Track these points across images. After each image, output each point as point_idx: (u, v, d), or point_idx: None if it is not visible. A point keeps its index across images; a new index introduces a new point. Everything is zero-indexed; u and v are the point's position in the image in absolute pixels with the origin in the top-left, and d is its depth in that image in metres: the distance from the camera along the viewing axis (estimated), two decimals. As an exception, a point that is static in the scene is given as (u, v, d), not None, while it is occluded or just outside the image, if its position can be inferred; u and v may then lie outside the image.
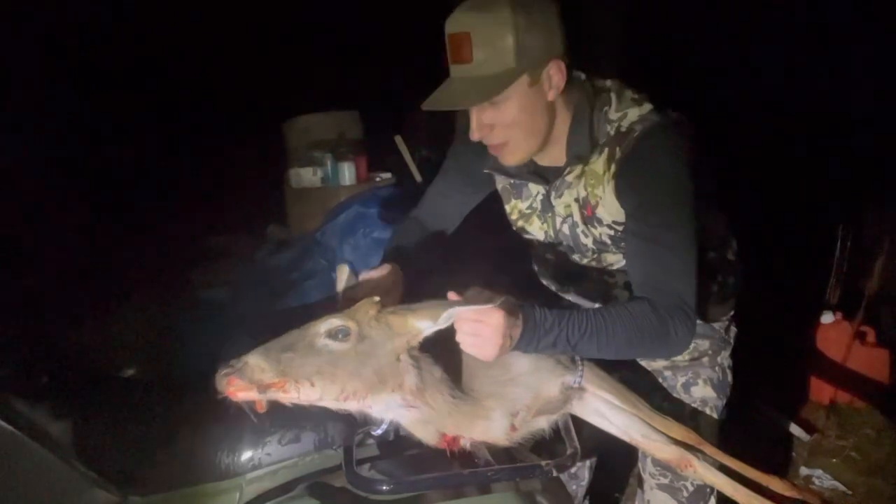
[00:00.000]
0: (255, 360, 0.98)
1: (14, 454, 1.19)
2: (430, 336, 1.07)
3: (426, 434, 1.14)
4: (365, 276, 1.29)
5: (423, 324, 1.06)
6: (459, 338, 1.08)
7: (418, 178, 3.65)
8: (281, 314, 2.70)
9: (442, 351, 1.13)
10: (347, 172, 3.79)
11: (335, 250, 2.98)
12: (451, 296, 1.09)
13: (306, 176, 3.87)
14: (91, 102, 4.85)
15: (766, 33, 4.13)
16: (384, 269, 1.31)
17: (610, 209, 1.33)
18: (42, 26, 4.38)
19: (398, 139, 3.77)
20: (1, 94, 3.94)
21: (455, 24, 1.23)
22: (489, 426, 1.17)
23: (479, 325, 1.06)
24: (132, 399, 1.50)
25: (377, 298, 1.09)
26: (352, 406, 1.05)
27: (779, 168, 3.91)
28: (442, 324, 1.06)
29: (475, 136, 1.29)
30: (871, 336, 3.00)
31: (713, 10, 4.18)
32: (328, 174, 3.81)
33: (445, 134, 1.62)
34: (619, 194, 1.29)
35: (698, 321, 1.53)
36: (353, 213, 3.04)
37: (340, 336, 1.03)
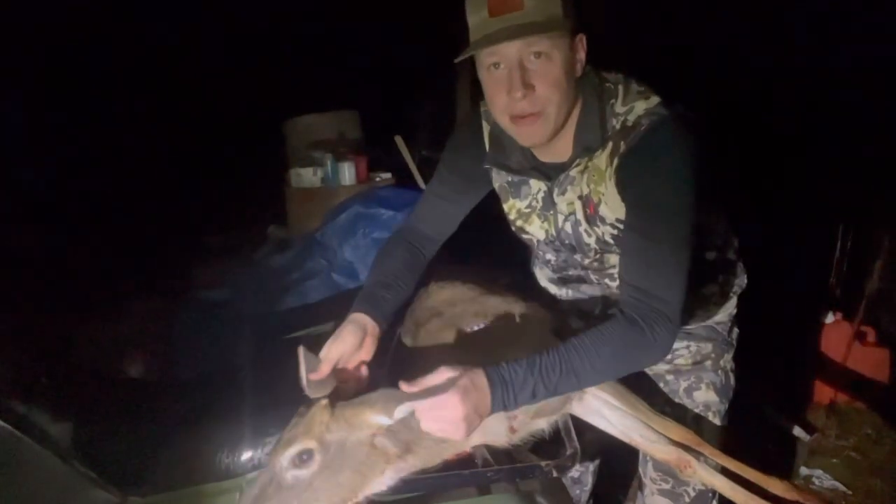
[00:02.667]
0: None
1: (14, 454, 1.19)
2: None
3: (430, 464, 1.14)
4: (326, 350, 1.23)
5: (379, 419, 1.05)
6: (424, 427, 1.05)
7: (419, 180, 3.65)
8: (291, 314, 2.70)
9: (432, 357, 1.14)
10: (347, 172, 3.79)
11: (335, 250, 2.98)
12: (403, 387, 1.06)
13: (306, 176, 3.88)
14: (91, 102, 4.85)
15: (766, 32, 4.13)
16: (345, 339, 1.24)
17: (612, 206, 1.29)
18: (43, 26, 4.38)
19: (398, 139, 3.77)
20: (1, 93, 3.94)
21: None
22: (488, 431, 1.17)
23: (439, 414, 1.03)
24: (132, 399, 1.50)
25: (324, 402, 1.07)
26: None
27: (779, 168, 3.91)
28: (398, 417, 1.04)
29: (516, 94, 1.21)
30: (871, 336, 3.00)
31: (713, 9, 4.18)
32: (328, 174, 3.82)
33: (446, 134, 1.60)
34: (621, 186, 1.26)
35: (701, 323, 1.53)
36: (353, 213, 3.03)
37: (305, 459, 1.02)
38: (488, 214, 1.59)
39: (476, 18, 1.22)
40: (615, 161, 1.25)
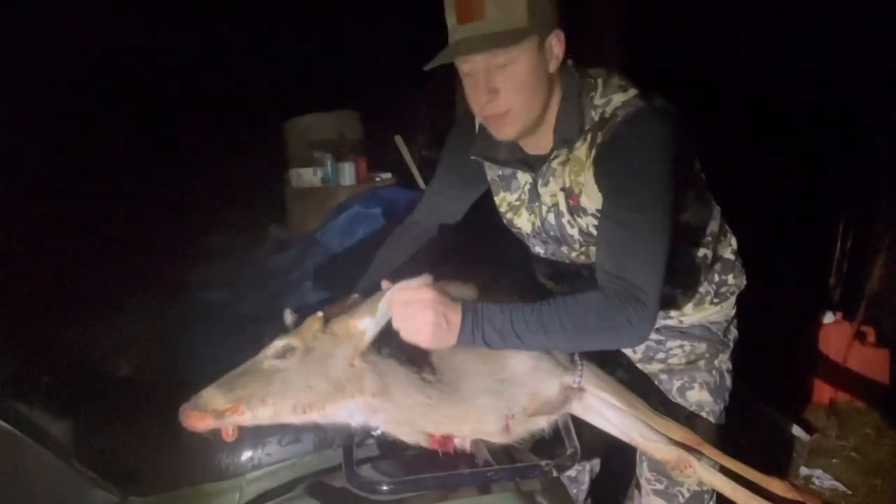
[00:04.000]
0: (207, 392, 1.04)
1: (14, 454, 1.19)
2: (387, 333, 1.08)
3: (406, 435, 1.15)
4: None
5: (363, 322, 1.08)
6: (395, 325, 1.08)
7: (419, 180, 3.65)
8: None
9: (422, 353, 1.14)
10: (347, 172, 3.79)
11: (335, 250, 2.98)
12: (385, 284, 1.10)
13: (306, 176, 3.88)
14: (92, 102, 4.86)
15: (767, 32, 4.13)
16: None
17: (592, 196, 1.31)
18: (45, 27, 4.39)
19: (398, 139, 3.78)
20: (3, 93, 3.94)
21: None
22: (481, 425, 1.17)
23: (409, 307, 1.06)
24: (132, 399, 1.50)
25: (320, 314, 1.11)
26: (314, 417, 1.08)
27: (779, 167, 3.90)
28: (381, 317, 1.07)
29: (481, 98, 1.26)
30: (871, 336, 3.00)
31: (713, 7, 4.18)
32: (328, 174, 3.82)
33: (445, 134, 1.61)
34: (598, 178, 1.28)
35: (696, 323, 1.53)
36: (353, 213, 3.04)
37: (286, 355, 1.07)
38: (489, 214, 1.60)
39: (449, 22, 1.26)
40: (593, 152, 1.27)
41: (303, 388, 1.05)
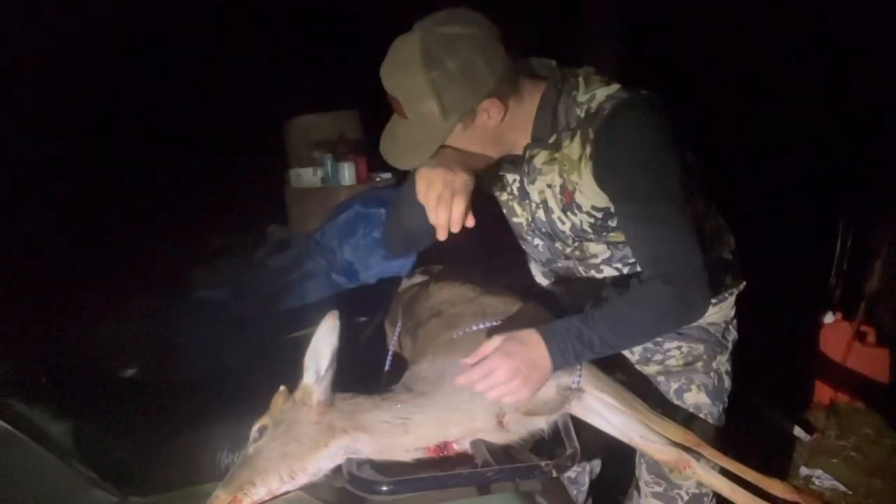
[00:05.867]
0: (215, 493, 1.10)
1: (14, 454, 1.19)
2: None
3: (398, 456, 1.17)
4: None
5: (307, 378, 1.16)
6: (491, 396, 1.14)
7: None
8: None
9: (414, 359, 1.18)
10: (347, 172, 3.79)
11: (335, 250, 2.98)
12: (463, 362, 1.16)
13: (306, 176, 3.88)
14: (91, 101, 4.85)
15: (767, 30, 4.12)
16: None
17: (588, 194, 1.31)
18: (43, 27, 4.38)
19: (398, 139, 3.76)
20: (2, 93, 3.94)
21: (385, 84, 1.27)
22: (471, 426, 1.18)
23: (490, 381, 1.12)
24: (132, 399, 1.50)
25: (283, 388, 1.20)
26: (303, 480, 1.13)
27: (779, 167, 3.90)
28: (322, 368, 1.14)
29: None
30: (871, 336, 3.00)
31: (713, 6, 4.18)
32: (328, 174, 3.81)
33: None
34: (599, 179, 1.28)
35: (693, 323, 1.53)
36: (353, 213, 3.04)
37: (261, 434, 1.15)
38: (488, 214, 1.60)
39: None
40: (587, 149, 1.27)
41: (279, 457, 1.11)
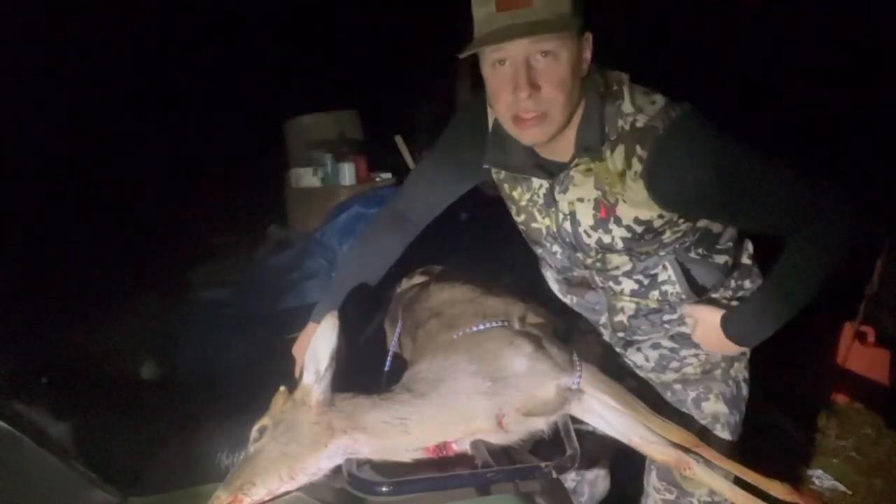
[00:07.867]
0: (217, 493, 1.10)
1: (14, 454, 1.19)
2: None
3: (398, 457, 1.17)
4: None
5: (307, 378, 1.15)
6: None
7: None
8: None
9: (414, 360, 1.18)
10: (347, 172, 3.79)
11: (335, 250, 2.99)
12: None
13: (306, 176, 3.88)
14: (91, 101, 4.85)
15: (771, 33, 4.13)
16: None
17: (634, 204, 1.27)
18: (43, 25, 4.38)
19: (398, 139, 3.78)
20: (1, 92, 3.94)
21: None
22: (471, 426, 1.18)
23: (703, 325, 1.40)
24: (132, 399, 1.50)
25: (283, 388, 1.20)
26: (302, 479, 1.12)
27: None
28: (320, 364, 1.14)
29: (523, 94, 1.18)
30: (871, 336, 3.00)
31: (714, 8, 4.18)
32: (328, 174, 3.82)
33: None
34: (661, 194, 1.24)
35: None
36: (353, 213, 3.04)
37: (261, 435, 1.15)
38: (489, 214, 1.59)
39: (482, 12, 1.20)
40: (637, 166, 1.23)
41: (279, 457, 1.11)
